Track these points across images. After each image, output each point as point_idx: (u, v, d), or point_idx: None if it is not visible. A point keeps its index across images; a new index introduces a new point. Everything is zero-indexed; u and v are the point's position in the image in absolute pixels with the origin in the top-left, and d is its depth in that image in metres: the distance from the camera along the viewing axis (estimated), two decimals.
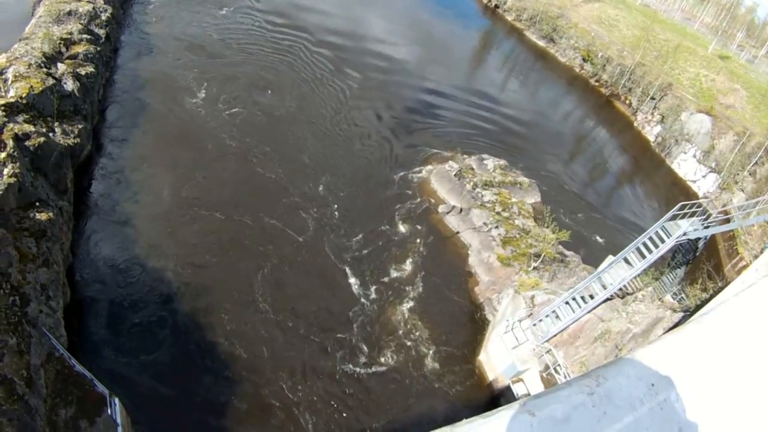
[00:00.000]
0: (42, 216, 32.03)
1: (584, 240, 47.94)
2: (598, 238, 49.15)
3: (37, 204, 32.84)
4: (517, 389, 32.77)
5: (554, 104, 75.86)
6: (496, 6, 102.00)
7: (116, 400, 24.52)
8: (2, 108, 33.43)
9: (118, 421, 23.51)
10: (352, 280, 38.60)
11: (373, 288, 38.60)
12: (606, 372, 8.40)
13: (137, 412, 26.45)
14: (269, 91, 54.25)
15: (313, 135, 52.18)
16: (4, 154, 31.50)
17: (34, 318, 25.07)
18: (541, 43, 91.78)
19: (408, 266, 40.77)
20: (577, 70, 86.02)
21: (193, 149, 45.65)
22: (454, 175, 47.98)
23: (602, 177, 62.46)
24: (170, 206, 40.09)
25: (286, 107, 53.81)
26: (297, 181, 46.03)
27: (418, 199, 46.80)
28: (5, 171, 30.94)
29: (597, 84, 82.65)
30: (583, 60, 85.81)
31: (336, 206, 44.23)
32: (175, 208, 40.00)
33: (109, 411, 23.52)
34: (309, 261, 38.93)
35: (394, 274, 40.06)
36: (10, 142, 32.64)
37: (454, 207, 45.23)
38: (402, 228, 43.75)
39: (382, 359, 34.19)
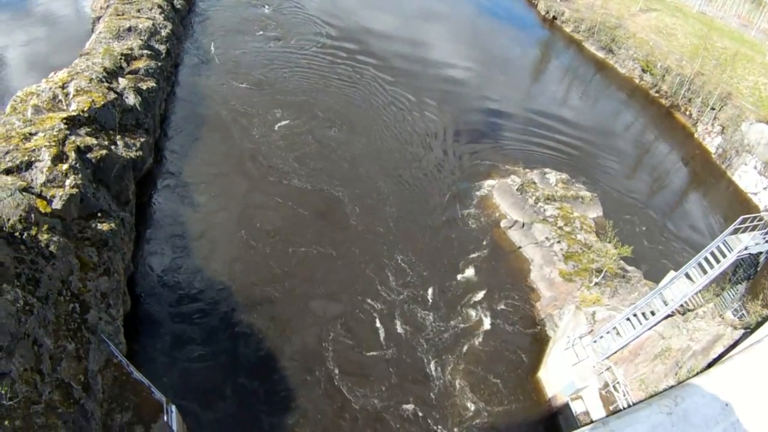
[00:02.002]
0: (103, 226, 33.14)
1: (646, 255, 47.14)
2: (659, 252, 48.32)
3: (99, 214, 34.06)
4: (576, 407, 32.54)
5: (615, 116, 75.40)
6: (554, 17, 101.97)
7: (173, 407, 24.91)
8: (64, 121, 34.91)
9: (174, 428, 23.82)
10: (410, 291, 38.53)
11: (434, 302, 38.35)
12: (683, 392, 7.76)
13: (193, 421, 26.84)
14: (334, 130, 53.73)
15: (374, 151, 52.90)
16: (66, 166, 32.85)
17: (93, 325, 25.80)
18: (600, 54, 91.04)
19: (471, 282, 40.62)
20: (637, 81, 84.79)
21: (251, 173, 46.08)
22: (517, 189, 48.33)
23: (663, 190, 61.41)
24: (229, 225, 40.77)
25: (343, 131, 53.93)
26: (353, 194, 46.42)
27: (481, 214, 46.90)
28: (67, 182, 32.24)
29: (657, 95, 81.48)
30: (643, 71, 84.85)
31: (396, 216, 44.57)
32: (233, 227, 40.59)
33: (165, 418, 23.89)
34: (371, 277, 39.14)
35: (457, 290, 39.83)
36: (72, 154, 34.02)
37: (516, 221, 45.32)
38: (465, 243, 43.69)
39: (443, 374, 33.88)
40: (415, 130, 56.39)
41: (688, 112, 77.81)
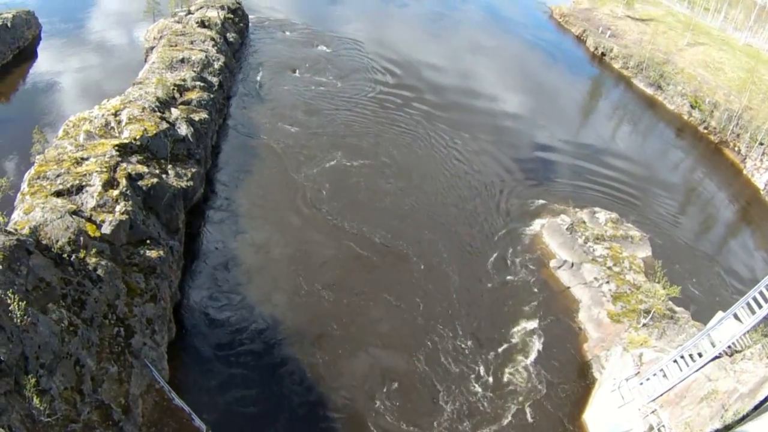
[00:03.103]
0: (152, 253, 33.45)
1: (694, 294, 46.20)
2: (708, 292, 47.39)
3: (148, 242, 34.42)
4: None
5: (664, 154, 74.65)
6: (603, 54, 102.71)
7: None
8: (116, 148, 35.75)
9: None
10: (461, 332, 37.76)
11: (483, 343, 37.60)
12: None
13: None
14: (387, 175, 52.78)
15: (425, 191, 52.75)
16: (117, 192, 33.46)
17: (137, 350, 25.73)
18: (649, 91, 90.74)
19: (519, 323, 40.03)
20: (686, 117, 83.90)
21: (302, 211, 45.94)
22: (566, 229, 48.66)
23: (712, 228, 60.22)
24: (278, 262, 40.61)
25: (394, 173, 53.20)
26: (406, 237, 46.13)
27: (531, 254, 46.72)
28: (117, 208, 32.76)
29: (705, 131, 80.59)
30: (691, 106, 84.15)
31: (446, 259, 44.06)
32: (283, 265, 40.38)
33: None
34: (423, 325, 38.36)
35: (505, 330, 39.19)
36: (123, 181, 34.69)
37: (565, 261, 45.53)
38: (515, 284, 43.29)
39: (491, 416, 32.92)
40: (465, 169, 55.92)
41: (736, 148, 76.32)
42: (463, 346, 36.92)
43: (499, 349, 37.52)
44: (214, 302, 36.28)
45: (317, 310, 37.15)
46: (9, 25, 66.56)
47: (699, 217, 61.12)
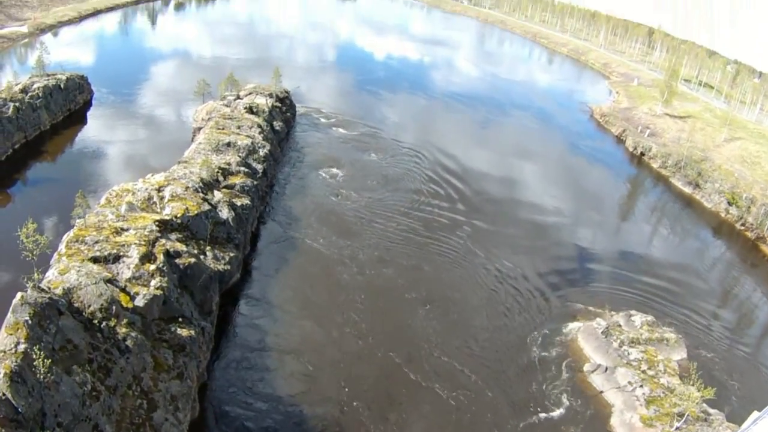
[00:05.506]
0: (183, 332, 33.55)
1: (729, 395, 45.30)
2: (744, 392, 46.29)
3: (180, 320, 34.63)
4: None
5: (701, 254, 74.34)
6: (642, 153, 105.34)
7: None
8: (157, 223, 36.82)
9: None
10: None
11: None
12: None
13: None
14: (427, 306, 49.42)
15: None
16: (153, 267, 34.11)
17: (158, 424, 25.29)
18: (687, 190, 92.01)
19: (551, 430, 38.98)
20: (723, 215, 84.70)
21: (333, 319, 44.76)
22: (601, 332, 48.81)
23: (749, 327, 58.76)
24: (309, 351, 40.31)
25: (426, 292, 51.00)
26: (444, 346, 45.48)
27: (565, 358, 46.28)
28: (153, 282, 33.30)
29: (742, 227, 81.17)
30: (728, 203, 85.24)
31: (480, 364, 43.18)
32: (313, 354, 40.03)
33: None
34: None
35: None
36: (161, 257, 35.46)
37: (599, 366, 45.45)
38: (548, 388, 42.52)
39: None
40: (504, 276, 55.32)
41: None
42: None
43: None
44: (241, 386, 35.78)
45: (345, 419, 35.94)
46: (62, 86, 71.49)
47: (736, 315, 60.20)
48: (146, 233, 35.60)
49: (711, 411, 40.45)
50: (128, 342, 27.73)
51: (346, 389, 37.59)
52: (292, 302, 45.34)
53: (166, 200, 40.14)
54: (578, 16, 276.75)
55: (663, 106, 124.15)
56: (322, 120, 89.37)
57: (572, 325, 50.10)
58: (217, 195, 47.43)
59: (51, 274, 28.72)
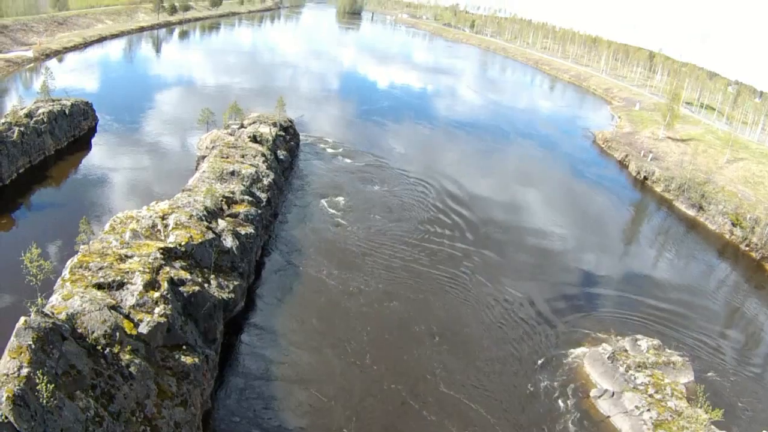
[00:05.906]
0: (187, 359, 33.65)
1: (738, 415, 45.28)
2: (753, 413, 46.26)
3: (184, 347, 34.74)
4: None
5: (705, 276, 74.26)
6: (645, 177, 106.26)
7: None
8: (161, 251, 37.14)
9: None
10: None
11: None
12: None
13: None
14: (435, 338, 48.92)
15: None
16: (157, 294, 34.35)
17: None
18: (691, 213, 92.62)
19: None
20: (727, 236, 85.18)
21: (341, 349, 44.61)
22: (608, 357, 48.91)
23: (756, 347, 58.51)
24: (314, 381, 40.13)
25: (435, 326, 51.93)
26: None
27: (571, 384, 46.11)
28: (156, 310, 33.50)
29: (747, 248, 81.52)
30: (733, 224, 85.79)
31: (485, 393, 42.92)
32: (319, 385, 39.77)
33: None
34: None
35: None
36: (165, 284, 35.70)
37: (606, 391, 45.33)
38: (553, 414, 42.37)
39: None
40: (509, 304, 55.09)
41: None
42: None
43: None
44: (245, 416, 35.65)
45: None
46: (67, 112, 72.32)
47: (743, 336, 59.98)
48: (150, 261, 35.89)
49: None
50: (132, 369, 27.84)
51: (353, 420, 37.27)
52: (297, 332, 45.19)
53: (170, 228, 40.48)
54: (579, 41, 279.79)
55: (665, 130, 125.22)
56: (327, 150, 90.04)
57: (578, 351, 49.94)
58: (221, 223, 47.76)
59: (55, 299, 28.96)
